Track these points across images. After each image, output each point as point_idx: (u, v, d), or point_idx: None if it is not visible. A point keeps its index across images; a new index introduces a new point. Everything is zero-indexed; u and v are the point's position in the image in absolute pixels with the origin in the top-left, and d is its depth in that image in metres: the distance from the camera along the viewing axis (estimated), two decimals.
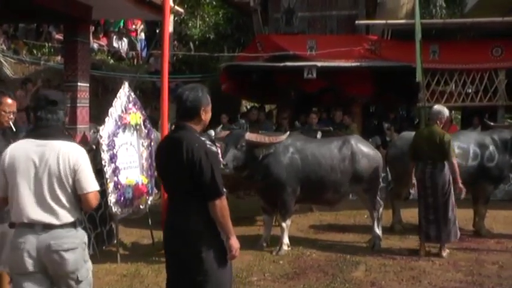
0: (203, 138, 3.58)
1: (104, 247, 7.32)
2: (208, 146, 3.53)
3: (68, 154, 3.45)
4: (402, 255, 6.98)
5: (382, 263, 6.65)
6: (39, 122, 3.53)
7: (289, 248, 7.14)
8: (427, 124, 7.39)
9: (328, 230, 8.49)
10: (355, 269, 6.44)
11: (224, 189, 3.55)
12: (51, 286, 3.51)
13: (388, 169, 9.41)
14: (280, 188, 7.08)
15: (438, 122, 7.02)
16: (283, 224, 7.20)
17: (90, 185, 3.53)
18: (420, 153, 7.00)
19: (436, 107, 7.28)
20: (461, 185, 6.86)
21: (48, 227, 3.42)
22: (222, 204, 3.46)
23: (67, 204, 3.46)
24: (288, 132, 7.45)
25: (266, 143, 6.90)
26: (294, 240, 7.35)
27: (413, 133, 7.70)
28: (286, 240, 7.18)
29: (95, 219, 7.20)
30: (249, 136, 6.85)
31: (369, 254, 7.06)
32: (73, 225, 3.51)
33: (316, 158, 7.24)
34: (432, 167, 6.85)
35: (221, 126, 9.90)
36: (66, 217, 3.47)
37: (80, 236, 3.56)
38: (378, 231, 7.45)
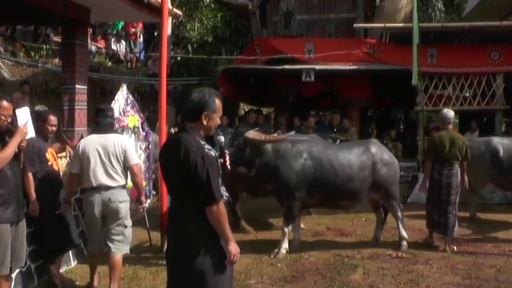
0: (202, 142, 3.48)
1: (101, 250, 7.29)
2: (206, 150, 3.44)
3: (120, 141, 5.56)
4: (400, 259, 6.98)
5: (380, 266, 6.64)
6: (99, 123, 5.67)
7: (287, 253, 7.12)
8: (443, 128, 7.70)
9: (326, 233, 8.48)
10: (353, 272, 6.42)
11: (225, 194, 3.51)
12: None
13: None
14: (288, 193, 7.05)
15: (452, 125, 7.64)
16: (285, 229, 7.14)
17: (134, 159, 5.60)
18: (440, 155, 7.39)
19: (448, 111, 7.69)
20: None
21: (108, 188, 5.45)
22: (219, 210, 3.39)
23: (120, 173, 5.50)
24: (293, 132, 7.41)
25: (263, 140, 6.89)
26: (292, 243, 7.33)
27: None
28: (285, 244, 7.14)
29: None
30: (249, 134, 6.86)
31: (367, 257, 7.05)
32: (123, 187, 5.55)
33: (333, 166, 7.10)
34: (450, 169, 7.36)
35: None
36: (119, 181, 5.50)
37: (127, 195, 5.60)
38: (403, 233, 7.50)
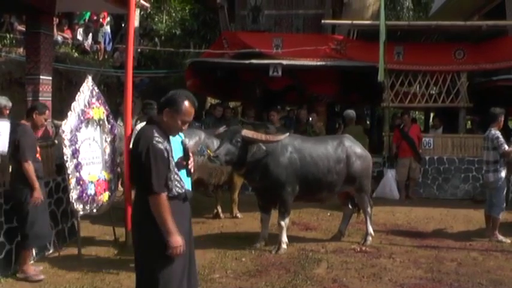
0: (156, 134, 3.53)
1: (65, 244, 7.20)
2: (154, 141, 3.49)
3: None
4: (364, 253, 7.07)
5: (344, 261, 6.71)
6: (146, 114, 6.78)
7: (287, 246, 7.09)
8: (349, 124, 10.81)
9: (291, 228, 8.50)
10: (317, 266, 6.48)
11: (163, 188, 3.52)
12: None
13: None
14: (281, 187, 7.00)
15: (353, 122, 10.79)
16: (282, 223, 7.09)
17: None
18: None
19: (352, 112, 10.94)
20: None
21: None
22: (157, 202, 3.45)
23: None
24: (287, 134, 7.27)
25: (262, 140, 6.80)
26: (256, 237, 7.36)
27: None
28: (284, 238, 7.11)
29: (57, 215, 7.07)
30: (245, 132, 6.75)
31: (331, 251, 7.12)
32: None
33: (314, 158, 7.18)
34: None
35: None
36: None
37: None
38: (370, 228, 7.60)
